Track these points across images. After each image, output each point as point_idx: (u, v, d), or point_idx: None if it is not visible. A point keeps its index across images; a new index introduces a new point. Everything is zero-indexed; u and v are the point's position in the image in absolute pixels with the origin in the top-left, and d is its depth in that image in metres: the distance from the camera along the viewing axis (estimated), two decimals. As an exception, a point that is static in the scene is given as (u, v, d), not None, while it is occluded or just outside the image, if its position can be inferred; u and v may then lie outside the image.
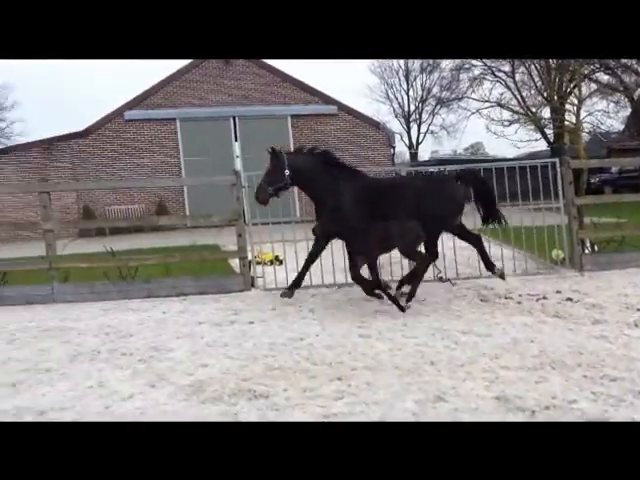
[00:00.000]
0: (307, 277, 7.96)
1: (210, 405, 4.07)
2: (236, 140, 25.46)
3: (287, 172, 7.44)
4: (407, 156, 55.16)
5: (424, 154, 57.15)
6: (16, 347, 5.93)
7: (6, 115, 58.28)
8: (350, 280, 8.29)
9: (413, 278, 7.09)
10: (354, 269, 6.86)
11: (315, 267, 7.95)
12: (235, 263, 9.67)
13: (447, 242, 8.33)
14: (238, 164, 23.96)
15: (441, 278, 8.23)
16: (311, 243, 7.71)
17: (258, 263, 8.92)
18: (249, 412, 3.90)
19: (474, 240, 7.62)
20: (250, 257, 8.55)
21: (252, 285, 8.52)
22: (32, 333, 6.44)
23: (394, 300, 6.60)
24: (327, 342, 5.50)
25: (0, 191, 22.17)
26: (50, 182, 13.54)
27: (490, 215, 7.68)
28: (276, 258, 9.48)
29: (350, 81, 77.03)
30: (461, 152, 53.51)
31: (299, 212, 20.14)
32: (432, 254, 7.38)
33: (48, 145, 24.03)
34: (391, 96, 56.50)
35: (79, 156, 24.11)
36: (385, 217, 6.89)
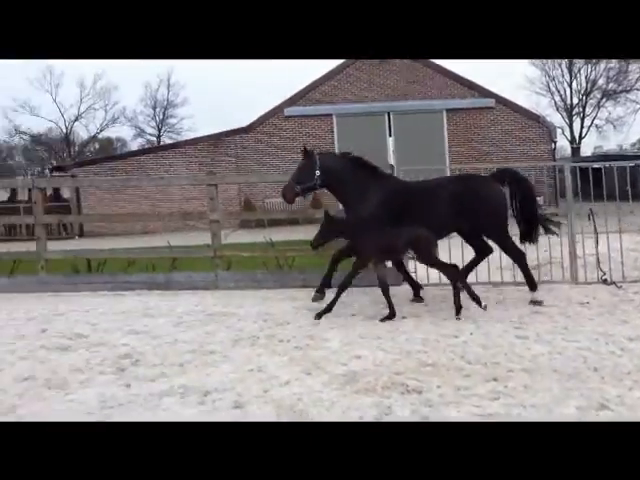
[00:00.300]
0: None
1: (363, 396, 4.14)
2: (390, 135, 25.52)
3: (317, 172, 7.22)
4: (568, 151, 52.48)
5: (587, 149, 54.11)
6: (183, 330, 6.35)
7: (177, 112, 62.51)
8: (505, 279, 8.09)
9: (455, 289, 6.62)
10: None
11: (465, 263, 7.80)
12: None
13: (613, 243, 7.85)
14: (392, 159, 24.01)
15: (605, 280, 7.77)
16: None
17: (410, 259, 8.87)
18: (402, 406, 3.91)
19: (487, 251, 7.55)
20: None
21: (403, 280, 8.49)
22: (198, 317, 6.86)
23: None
24: (482, 341, 5.39)
25: (173, 183, 23.73)
26: (217, 175, 14.32)
27: (528, 222, 7.26)
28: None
29: (508, 73, 74.35)
30: (627, 147, 49.94)
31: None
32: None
33: (215, 140, 25.44)
34: (552, 88, 54.04)
35: (242, 151, 25.33)
36: (415, 223, 6.67)
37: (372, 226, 6.71)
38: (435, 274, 8.19)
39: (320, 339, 5.70)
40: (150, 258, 9.78)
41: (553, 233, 7.50)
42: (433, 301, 7.33)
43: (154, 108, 62.46)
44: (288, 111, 25.45)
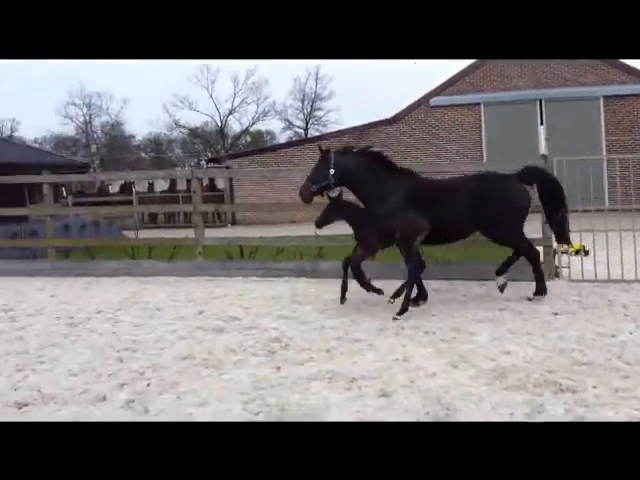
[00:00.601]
0: (619, 271, 7.45)
1: (514, 392, 4.04)
2: (542, 124, 24.42)
3: (332, 171, 7.16)
4: None
5: None
6: (329, 317, 6.50)
7: (324, 104, 63.64)
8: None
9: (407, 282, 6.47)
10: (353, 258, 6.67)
11: (630, 261, 7.38)
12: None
13: None
14: (543, 148, 23.00)
15: None
16: (624, 233, 7.16)
17: (563, 252, 8.50)
18: (555, 405, 3.78)
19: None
20: (555, 246, 8.19)
21: (556, 275, 8.17)
22: (343, 305, 6.97)
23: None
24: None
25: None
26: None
27: (559, 224, 6.94)
28: (582, 248, 8.93)
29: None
30: None
31: (609, 199, 18.75)
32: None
33: (360, 132, 25.65)
34: None
35: (387, 142, 25.33)
36: (434, 222, 6.48)
37: (372, 214, 6.78)
38: (590, 270, 7.84)
39: (467, 332, 5.62)
40: (298, 246, 10.07)
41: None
42: (587, 296, 6.97)
43: (302, 101, 63.96)
44: (434, 101, 25.08)
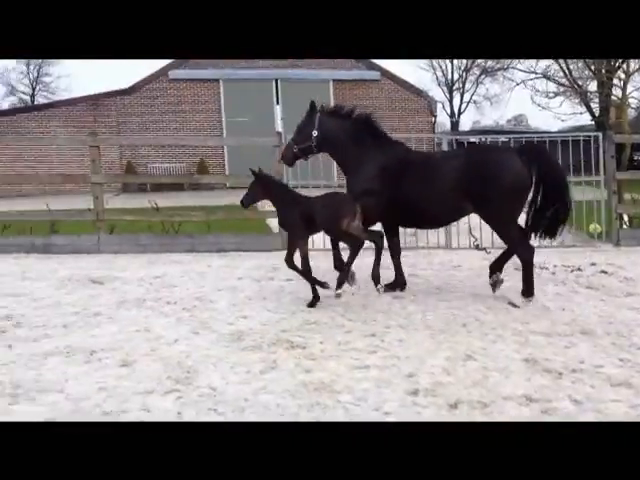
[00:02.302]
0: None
1: (250, 353, 4.30)
2: (278, 103, 25.55)
3: (315, 133, 6.35)
4: (448, 125, 54.58)
5: (465, 124, 56.48)
6: (67, 292, 6.24)
7: (52, 70, 59.11)
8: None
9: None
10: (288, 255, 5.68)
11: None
12: (273, 224, 9.89)
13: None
14: (280, 126, 24.10)
15: (477, 246, 8.31)
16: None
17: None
18: (286, 360, 4.12)
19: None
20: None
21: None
22: (81, 280, 6.74)
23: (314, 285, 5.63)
24: (361, 302, 5.70)
25: (52, 143, 22.62)
26: (100, 137, 13.86)
27: (554, 214, 5.83)
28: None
29: (394, 47, 75.39)
30: (503, 124, 52.58)
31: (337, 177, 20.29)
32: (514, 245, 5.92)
33: (95, 101, 24.44)
34: (435, 64, 55.75)
35: (124, 113, 24.50)
36: (415, 198, 5.87)
37: (293, 195, 5.97)
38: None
39: (208, 301, 5.80)
40: (28, 221, 9.41)
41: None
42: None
43: (27, 65, 58.77)
44: (173, 74, 24.82)
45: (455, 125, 52.20)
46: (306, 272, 5.57)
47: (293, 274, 6.85)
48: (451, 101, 55.72)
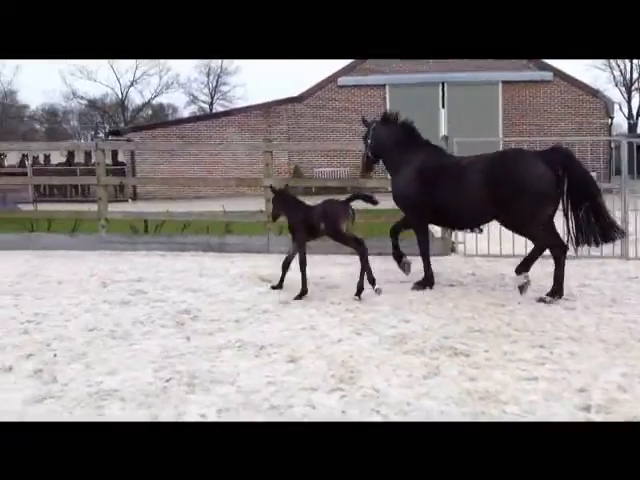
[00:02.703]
0: (510, 247, 7.95)
1: (413, 357, 4.30)
2: (443, 106, 25.26)
3: (369, 141, 7.03)
4: (625, 127, 51.03)
5: (645, 126, 52.49)
6: (238, 289, 6.60)
7: (230, 79, 62.83)
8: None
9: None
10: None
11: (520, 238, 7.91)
12: (436, 228, 9.82)
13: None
14: (445, 130, 23.82)
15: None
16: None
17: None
18: (449, 367, 4.07)
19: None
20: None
21: (452, 250, 8.62)
22: (251, 278, 7.09)
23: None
24: (530, 311, 5.51)
25: (231, 148, 24.05)
26: (274, 142, 14.54)
27: (586, 212, 5.81)
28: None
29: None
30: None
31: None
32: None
33: (267, 109, 25.64)
34: (612, 63, 52.39)
35: (294, 119, 25.46)
36: (447, 201, 6.18)
37: (299, 205, 6.54)
38: (484, 246, 8.32)
39: (370, 303, 5.88)
40: (205, 221, 10.06)
41: (613, 240, 6.06)
42: (480, 270, 7.43)
43: (208, 75, 62.90)
44: (342, 81, 25.39)
45: (633, 127, 48.64)
46: (303, 269, 6.18)
47: (456, 279, 6.82)
48: (629, 102, 52.13)
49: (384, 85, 25.37)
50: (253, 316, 5.48)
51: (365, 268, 6.01)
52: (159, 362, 4.27)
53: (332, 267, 7.77)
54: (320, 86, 25.73)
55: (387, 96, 25.37)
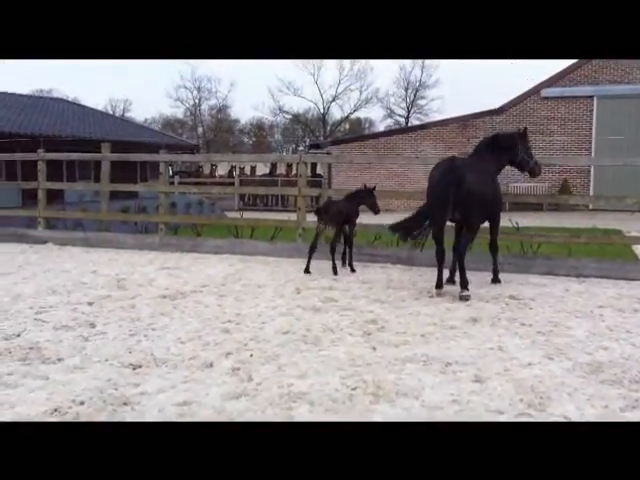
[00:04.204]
0: None
1: (609, 387, 4.04)
2: (656, 120, 23.32)
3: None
4: None
5: None
6: (423, 304, 6.59)
7: (427, 93, 62.99)
8: None
9: None
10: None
11: None
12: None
13: None
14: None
15: None
16: None
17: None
18: (651, 402, 3.77)
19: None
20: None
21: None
22: (440, 294, 7.04)
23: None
24: None
25: (425, 162, 24.07)
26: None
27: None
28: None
29: None
30: None
31: None
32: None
33: (464, 122, 25.35)
34: None
35: (492, 132, 24.92)
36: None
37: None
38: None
39: (564, 327, 5.60)
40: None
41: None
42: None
43: (406, 89, 63.56)
44: (546, 92, 24.38)
45: None
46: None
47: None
48: None
49: (592, 97, 23.93)
50: (440, 331, 5.46)
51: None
52: (346, 369, 4.42)
53: (523, 286, 7.50)
54: (522, 97, 24.90)
55: (594, 108, 23.89)
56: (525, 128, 8.01)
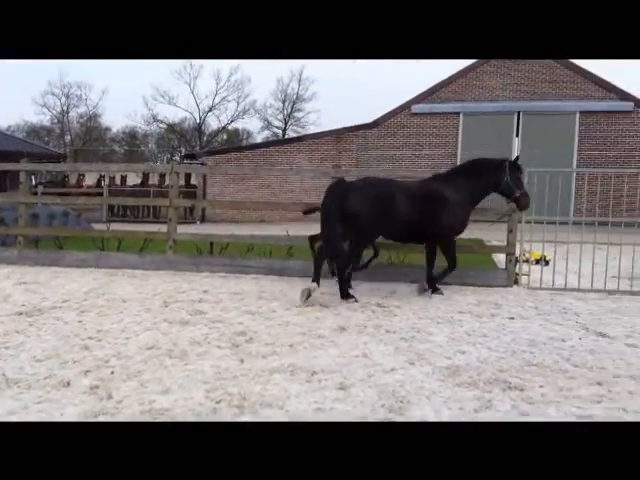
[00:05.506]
0: (575, 280, 7.76)
1: (465, 389, 4.22)
2: (517, 135, 24.88)
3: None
4: None
5: None
6: (294, 314, 6.63)
7: (304, 106, 63.83)
8: (622, 287, 7.89)
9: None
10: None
11: (587, 272, 7.71)
12: (499, 259, 9.66)
13: None
14: (517, 160, 23.46)
15: None
16: (585, 246, 7.43)
17: (525, 261, 8.77)
18: (502, 401, 3.97)
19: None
20: (517, 254, 8.48)
21: (515, 282, 8.43)
22: (309, 302, 7.10)
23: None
24: (590, 346, 5.32)
25: (300, 174, 24.34)
26: (342, 169, 14.62)
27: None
28: (543, 258, 9.23)
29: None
30: None
31: (574, 212, 19.18)
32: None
33: (339, 135, 25.87)
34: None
35: (364, 146, 25.61)
36: None
37: None
38: (549, 279, 8.12)
39: (426, 332, 5.81)
40: (267, 245, 10.18)
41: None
42: (542, 303, 7.25)
43: (283, 102, 64.06)
44: (415, 108, 25.40)
45: None
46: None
47: (517, 312, 6.68)
48: None
49: (458, 113, 25.21)
50: (308, 341, 5.50)
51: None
52: (212, 383, 4.34)
53: (389, 294, 7.73)
54: (393, 113, 25.77)
55: (460, 124, 25.20)
56: (517, 157, 8.19)
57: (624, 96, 24.10)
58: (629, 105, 23.99)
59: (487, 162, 8.03)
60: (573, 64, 24.40)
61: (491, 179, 7.84)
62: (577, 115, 24.45)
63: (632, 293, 7.87)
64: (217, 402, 3.97)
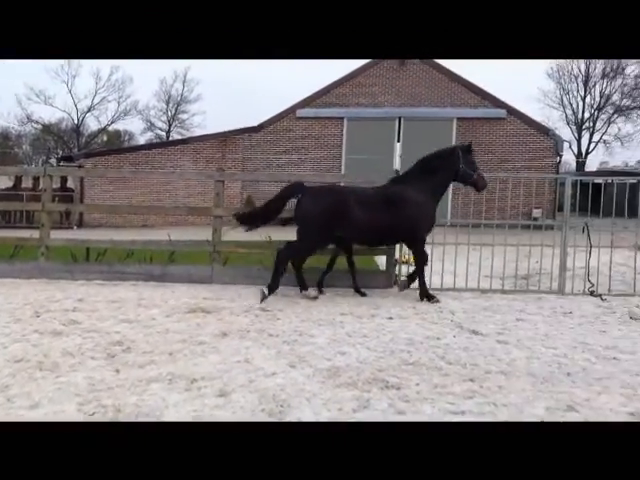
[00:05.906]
0: (451, 280, 8.07)
1: (344, 389, 4.27)
2: (398, 141, 25.66)
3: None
4: (573, 165, 52.63)
5: (592, 165, 54.24)
6: (174, 321, 6.48)
7: (189, 107, 62.80)
8: (494, 286, 8.28)
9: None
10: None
11: (462, 272, 8.01)
12: (381, 261, 9.90)
13: (603, 257, 8.02)
14: (397, 164, 24.19)
15: (592, 292, 7.93)
16: (459, 247, 7.74)
17: (404, 263, 9.03)
18: (380, 400, 4.05)
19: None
20: (397, 256, 8.72)
21: (395, 283, 8.66)
22: (190, 309, 6.98)
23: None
24: (464, 344, 5.54)
25: (183, 177, 23.86)
26: (227, 172, 14.44)
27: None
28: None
29: (523, 84, 73.96)
30: (632, 164, 49.76)
31: (450, 215, 20.01)
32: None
33: (224, 138, 25.63)
34: (565, 102, 54.16)
35: (249, 149, 25.52)
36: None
37: None
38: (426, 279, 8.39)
39: (308, 335, 5.84)
40: (149, 250, 9.90)
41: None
42: (420, 303, 7.49)
43: (167, 103, 62.76)
44: (300, 112, 25.62)
45: (581, 165, 50.21)
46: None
47: (396, 312, 6.85)
48: (579, 140, 53.79)
49: (342, 118, 25.67)
50: (188, 348, 5.38)
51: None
52: (85, 395, 4.15)
53: (274, 297, 7.72)
54: (279, 117, 25.87)
55: (344, 129, 25.66)
56: (470, 143, 8.33)
57: (497, 103, 25.47)
58: (502, 112, 25.38)
59: (439, 157, 8.09)
60: (449, 70, 25.51)
61: (448, 172, 7.99)
62: (454, 121, 25.58)
63: (503, 292, 8.29)
64: (90, 415, 3.80)
